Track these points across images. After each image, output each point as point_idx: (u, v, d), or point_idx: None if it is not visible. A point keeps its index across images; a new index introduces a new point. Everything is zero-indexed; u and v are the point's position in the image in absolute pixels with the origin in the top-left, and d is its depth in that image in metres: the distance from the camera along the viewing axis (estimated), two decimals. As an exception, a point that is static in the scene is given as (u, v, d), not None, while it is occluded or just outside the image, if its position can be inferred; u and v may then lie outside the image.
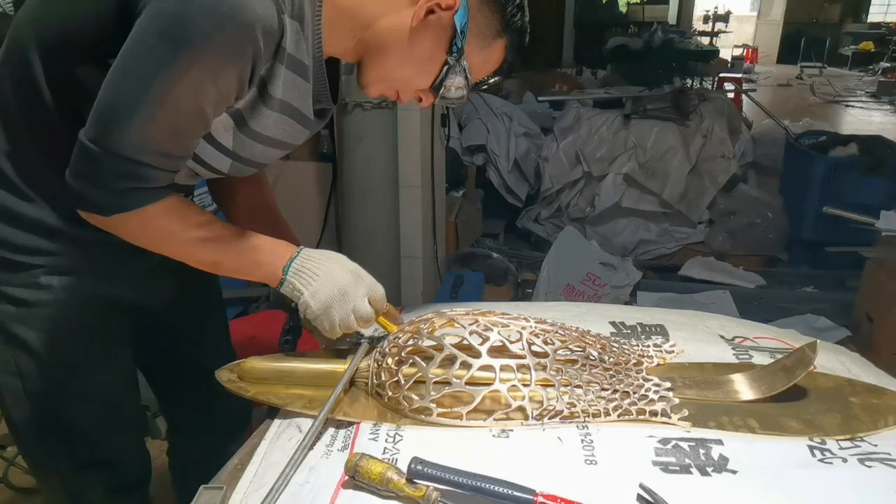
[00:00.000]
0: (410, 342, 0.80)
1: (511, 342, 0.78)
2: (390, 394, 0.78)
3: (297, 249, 0.81)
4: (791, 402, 0.79)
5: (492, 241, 3.00)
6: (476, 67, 0.80)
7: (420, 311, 0.95)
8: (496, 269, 2.65)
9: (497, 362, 0.76)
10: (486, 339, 0.77)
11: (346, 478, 0.67)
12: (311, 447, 0.72)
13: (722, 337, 0.96)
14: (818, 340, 0.81)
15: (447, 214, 2.63)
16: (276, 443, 0.75)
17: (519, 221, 3.17)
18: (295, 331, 1.11)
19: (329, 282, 0.79)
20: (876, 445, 0.72)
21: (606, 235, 2.90)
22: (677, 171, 2.89)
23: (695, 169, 2.92)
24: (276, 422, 0.80)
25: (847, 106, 7.23)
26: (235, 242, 0.80)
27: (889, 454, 0.70)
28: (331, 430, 0.76)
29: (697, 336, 0.95)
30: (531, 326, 0.80)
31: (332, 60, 0.84)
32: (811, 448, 0.71)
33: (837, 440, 0.73)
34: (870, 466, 0.68)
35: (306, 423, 0.76)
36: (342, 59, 0.86)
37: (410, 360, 0.78)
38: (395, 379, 0.79)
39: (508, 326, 0.79)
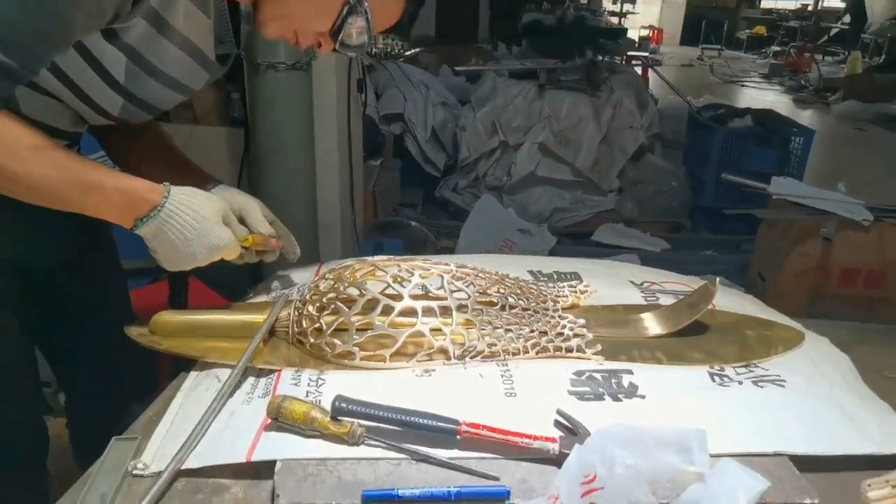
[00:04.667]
0: (331, 289, 0.79)
1: (432, 286, 0.79)
2: (312, 340, 0.77)
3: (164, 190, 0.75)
4: (694, 336, 0.85)
5: (410, 210, 3.01)
6: (377, 12, 0.77)
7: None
8: (415, 238, 2.66)
9: (419, 304, 0.77)
10: (407, 283, 0.78)
11: (269, 421, 0.66)
12: (231, 395, 0.71)
13: (632, 282, 1.01)
14: (718, 278, 0.87)
15: (365, 183, 2.61)
16: (193, 393, 0.73)
17: (437, 191, 3.18)
18: (178, 288, 1.08)
19: (187, 212, 0.76)
20: (767, 370, 0.78)
21: (523, 203, 2.97)
22: (589, 141, 2.98)
23: (605, 139, 3.03)
24: (193, 374, 0.77)
25: (742, 85, 7.69)
26: (79, 159, 0.73)
27: (779, 376, 0.77)
28: (251, 379, 0.74)
29: (609, 282, 0.99)
30: (452, 270, 0.81)
31: (232, 7, 0.81)
32: (711, 374, 0.77)
33: (734, 367, 0.78)
34: (762, 387, 0.74)
35: (225, 373, 0.74)
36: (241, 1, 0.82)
37: (332, 307, 0.78)
38: (317, 325, 0.78)
39: (430, 271, 0.80)
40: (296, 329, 0.79)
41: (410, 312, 0.77)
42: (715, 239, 2.90)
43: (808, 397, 0.73)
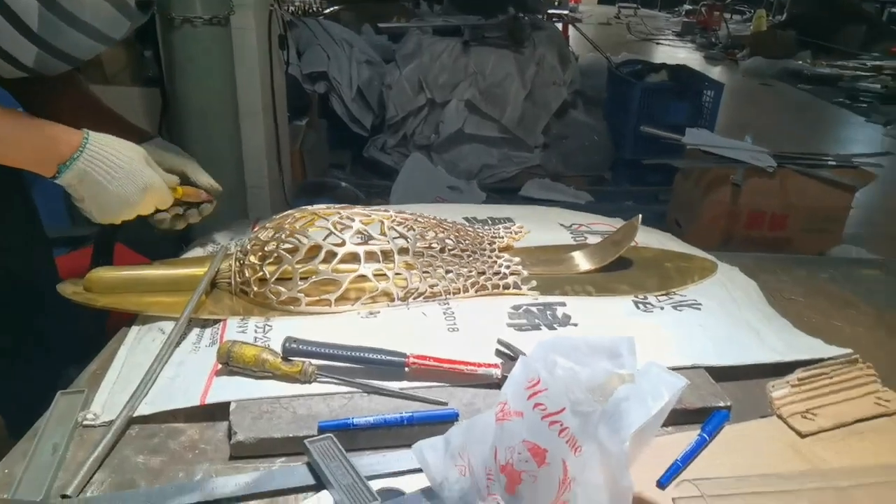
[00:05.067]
0: (273, 239, 0.80)
1: (373, 232, 0.81)
2: (256, 289, 0.78)
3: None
4: (620, 271, 0.91)
5: (339, 171, 2.98)
6: None
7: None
8: (345, 199, 2.63)
9: (361, 249, 0.78)
10: (348, 229, 0.79)
11: (219, 366, 0.67)
12: (178, 345, 0.71)
13: (561, 224, 1.06)
14: (639, 216, 0.93)
15: (291, 143, 2.56)
16: (138, 346, 0.73)
17: (365, 151, 3.16)
18: (103, 252, 1.06)
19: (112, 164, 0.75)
20: (685, 296, 0.85)
21: (452, 161, 2.99)
22: (514, 97, 3.02)
23: (530, 96, 3.08)
24: (135, 328, 0.77)
25: (657, 43, 7.92)
26: None
27: (695, 301, 0.84)
28: (196, 330, 0.75)
29: (540, 225, 1.04)
30: (392, 216, 0.83)
31: None
32: (636, 303, 0.83)
33: (656, 295, 0.85)
34: (680, 311, 0.81)
35: (169, 325, 0.74)
36: None
37: (274, 255, 0.79)
38: (260, 275, 0.79)
39: (370, 216, 0.82)
40: (238, 279, 0.80)
41: (352, 258, 0.79)
42: (635, 190, 3.04)
43: (720, 318, 0.81)
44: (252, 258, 0.79)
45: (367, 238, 0.80)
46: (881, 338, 0.83)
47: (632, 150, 3.06)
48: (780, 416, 0.65)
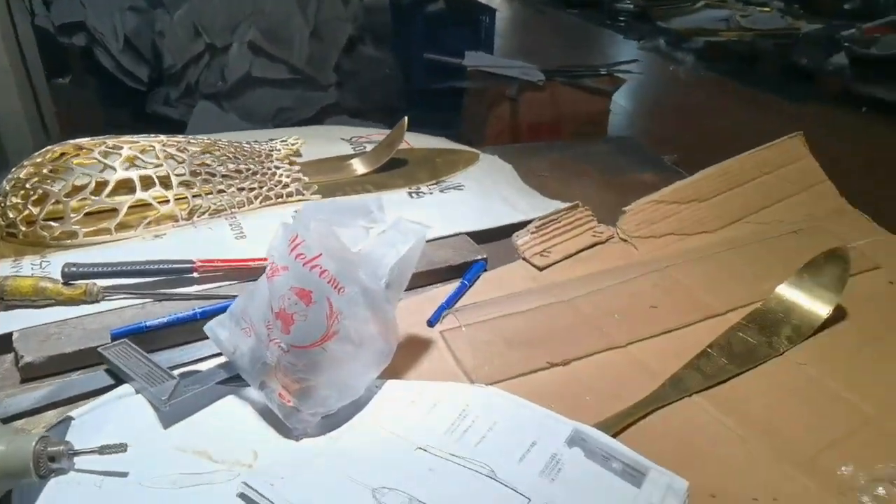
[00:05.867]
0: (34, 174, 0.77)
1: (147, 158, 0.81)
2: (24, 229, 0.76)
3: None
4: (396, 169, 1.00)
5: (120, 131, 2.75)
6: None
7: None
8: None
9: (134, 174, 0.79)
10: (117, 157, 0.79)
11: (-6, 305, 0.65)
12: (-58, 295, 0.68)
13: (342, 139, 1.13)
14: (406, 118, 1.02)
15: (56, 105, 2.31)
16: None
17: (148, 107, 2.94)
18: None
19: None
20: (450, 182, 0.97)
21: (244, 107, 2.90)
22: (299, 35, 2.97)
23: (315, 32, 3.05)
24: None
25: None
26: None
27: (460, 184, 0.96)
28: (-38, 279, 0.71)
29: (321, 141, 1.10)
30: (163, 139, 0.84)
31: None
32: (409, 193, 0.93)
33: (427, 185, 0.96)
34: (446, 193, 0.93)
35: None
36: None
37: (39, 191, 0.76)
38: (27, 213, 0.76)
39: (138, 142, 0.82)
40: (2, 223, 0.76)
41: (127, 185, 0.79)
42: (430, 118, 3.18)
43: (479, 194, 0.94)
44: (13, 199, 0.76)
45: (140, 162, 0.81)
46: (603, 194, 1.02)
47: (422, 80, 3.19)
48: (524, 258, 0.79)
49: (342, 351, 0.53)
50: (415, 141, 1.12)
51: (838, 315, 0.71)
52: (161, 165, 0.81)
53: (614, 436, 0.55)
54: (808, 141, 0.98)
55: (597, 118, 2.71)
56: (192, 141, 0.87)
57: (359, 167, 0.99)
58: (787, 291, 0.71)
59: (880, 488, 0.51)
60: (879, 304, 0.74)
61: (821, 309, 0.69)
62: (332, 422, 0.55)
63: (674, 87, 3.88)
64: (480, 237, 0.84)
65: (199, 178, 0.83)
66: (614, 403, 0.59)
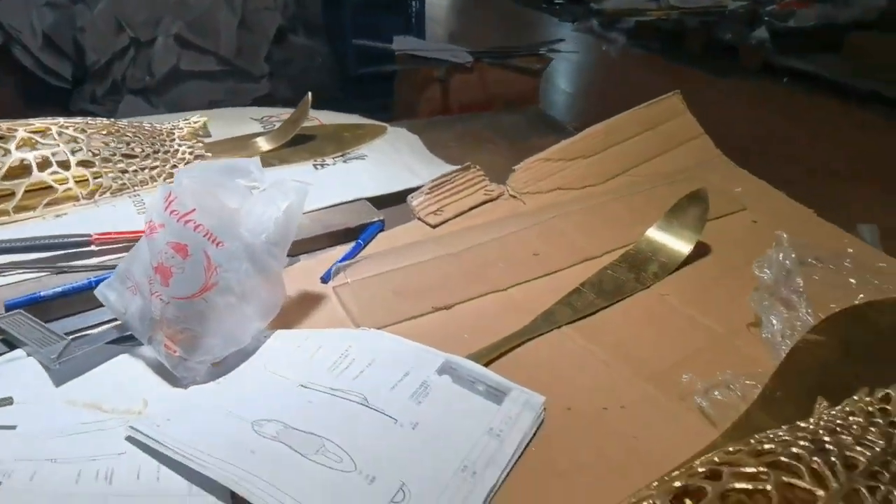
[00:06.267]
0: (-74, 161, 0.78)
1: (43, 138, 0.82)
2: (-82, 214, 0.76)
3: None
4: (303, 144, 1.03)
5: (45, 130, 2.68)
6: None
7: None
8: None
9: (30, 155, 0.80)
10: (12, 140, 0.80)
11: None
12: None
13: (252, 118, 1.15)
14: (309, 93, 1.05)
15: (-27, 104, 2.25)
16: None
17: (73, 105, 2.88)
18: None
19: None
20: (355, 153, 1.01)
21: (174, 101, 2.86)
22: (226, 26, 2.95)
23: (243, 23, 3.02)
24: None
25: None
26: None
27: (364, 154, 1.00)
28: None
29: (232, 122, 1.12)
30: (61, 121, 0.85)
31: None
32: (314, 165, 0.96)
33: (332, 157, 0.99)
34: (349, 163, 0.97)
35: None
36: None
37: (-69, 177, 0.77)
38: (-80, 199, 0.77)
39: (34, 125, 0.83)
40: None
41: (23, 168, 0.80)
42: (364, 105, 3.20)
43: (382, 163, 0.98)
44: None
45: (34, 142, 0.82)
46: (505, 160, 1.07)
47: (354, 66, 3.20)
48: (418, 218, 0.84)
49: (224, 302, 0.57)
50: (325, 118, 1.16)
51: (703, 251, 0.78)
52: (58, 146, 0.82)
53: (486, 365, 0.60)
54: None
55: (526, 97, 2.77)
56: (90, 123, 0.88)
57: (264, 144, 1.02)
58: (655, 233, 0.78)
59: (716, 392, 0.57)
60: (741, 241, 0.81)
61: (683, 247, 0.76)
62: (219, 370, 0.59)
63: (605, 65, 3.98)
64: (381, 202, 0.88)
65: (98, 157, 0.85)
66: (490, 339, 0.64)
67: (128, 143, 0.88)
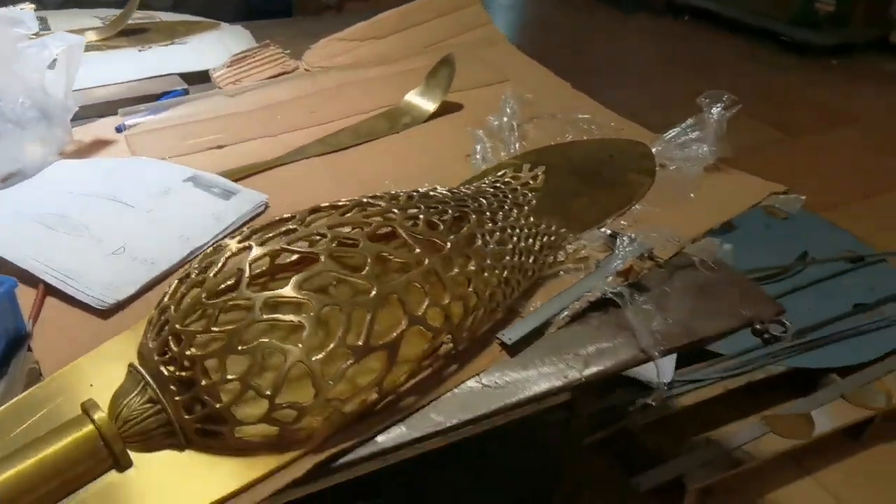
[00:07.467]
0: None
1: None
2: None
3: None
4: (135, 35, 1.13)
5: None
6: None
7: None
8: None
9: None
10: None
11: None
12: None
13: (96, 17, 1.23)
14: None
15: None
16: None
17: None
18: None
19: None
20: (181, 41, 1.12)
21: None
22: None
23: None
24: None
25: None
26: None
27: (188, 41, 1.11)
28: None
29: (77, 19, 1.21)
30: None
31: None
32: (138, 50, 1.07)
33: (159, 44, 1.10)
34: (169, 47, 1.08)
35: None
36: None
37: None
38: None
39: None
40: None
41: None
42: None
43: (201, 48, 1.09)
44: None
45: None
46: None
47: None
48: (219, 87, 0.97)
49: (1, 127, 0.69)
50: (167, 17, 1.25)
51: (455, 109, 0.93)
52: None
53: (235, 181, 0.74)
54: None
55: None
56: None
57: (92, 36, 1.12)
58: (413, 95, 0.93)
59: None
60: (492, 103, 0.96)
61: (432, 104, 0.91)
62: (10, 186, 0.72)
63: (520, 4, 4.08)
64: (194, 78, 1.00)
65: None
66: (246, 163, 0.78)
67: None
